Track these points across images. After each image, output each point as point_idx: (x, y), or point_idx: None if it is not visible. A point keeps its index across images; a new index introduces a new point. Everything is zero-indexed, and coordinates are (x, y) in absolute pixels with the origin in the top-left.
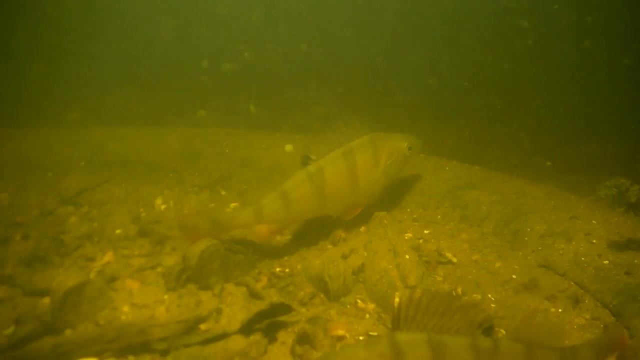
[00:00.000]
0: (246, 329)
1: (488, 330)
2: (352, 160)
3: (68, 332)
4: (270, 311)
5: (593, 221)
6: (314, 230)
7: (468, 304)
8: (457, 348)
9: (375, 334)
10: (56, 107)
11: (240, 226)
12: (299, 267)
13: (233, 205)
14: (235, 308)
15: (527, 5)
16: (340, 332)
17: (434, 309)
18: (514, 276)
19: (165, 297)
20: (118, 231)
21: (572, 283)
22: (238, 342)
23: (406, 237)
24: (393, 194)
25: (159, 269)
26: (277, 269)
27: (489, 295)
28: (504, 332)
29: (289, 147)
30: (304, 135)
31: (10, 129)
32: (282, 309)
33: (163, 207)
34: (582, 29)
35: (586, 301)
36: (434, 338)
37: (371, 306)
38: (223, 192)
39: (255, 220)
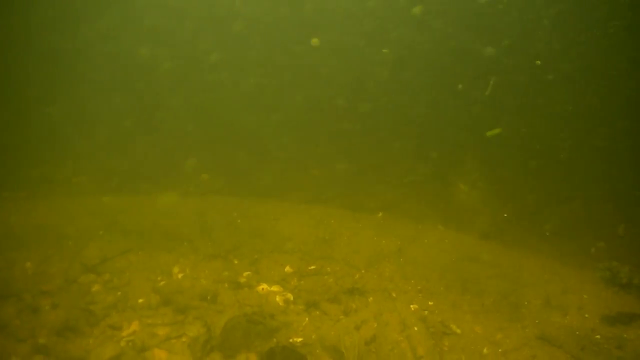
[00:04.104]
0: None
1: None
2: None
3: None
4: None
5: (584, 295)
6: (325, 300)
7: None
8: None
9: None
10: (58, 169)
11: None
12: (313, 336)
13: (246, 274)
14: None
15: None
16: None
17: None
18: (514, 347)
19: None
20: (141, 300)
21: (569, 355)
22: None
23: (412, 309)
24: (398, 265)
25: (184, 339)
26: (294, 339)
27: None
28: None
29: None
30: (310, 205)
31: (29, 200)
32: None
33: (180, 275)
34: None
35: None
36: None
37: None
38: (235, 261)
39: None
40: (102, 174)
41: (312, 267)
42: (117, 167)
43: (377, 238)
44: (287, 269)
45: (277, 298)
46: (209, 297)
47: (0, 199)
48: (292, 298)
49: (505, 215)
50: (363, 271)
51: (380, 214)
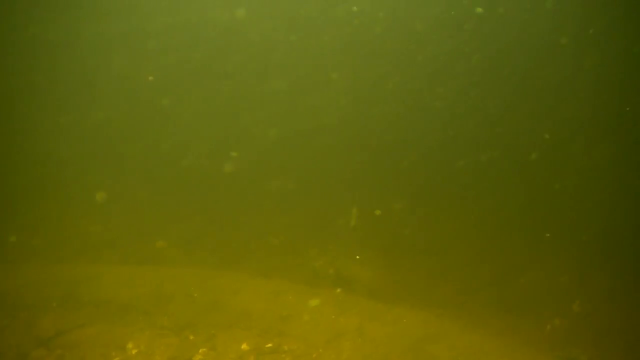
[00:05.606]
0: None
1: None
2: None
3: None
4: None
5: None
6: None
7: None
8: None
9: None
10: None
11: None
12: None
13: (202, 351)
14: None
15: None
16: None
17: None
18: None
19: None
20: None
21: None
22: None
23: None
24: (357, 343)
25: None
26: None
27: None
28: None
29: None
30: (268, 279)
31: None
32: None
33: (134, 351)
34: None
35: None
36: None
37: None
38: (192, 337)
39: None
40: (58, 239)
41: (270, 345)
42: (73, 233)
43: (335, 315)
44: (244, 346)
45: None
46: None
47: None
48: None
49: (461, 288)
50: (321, 350)
51: (339, 290)
